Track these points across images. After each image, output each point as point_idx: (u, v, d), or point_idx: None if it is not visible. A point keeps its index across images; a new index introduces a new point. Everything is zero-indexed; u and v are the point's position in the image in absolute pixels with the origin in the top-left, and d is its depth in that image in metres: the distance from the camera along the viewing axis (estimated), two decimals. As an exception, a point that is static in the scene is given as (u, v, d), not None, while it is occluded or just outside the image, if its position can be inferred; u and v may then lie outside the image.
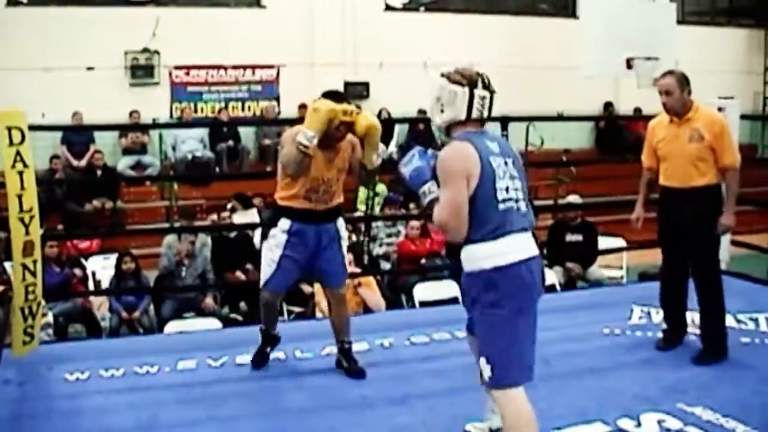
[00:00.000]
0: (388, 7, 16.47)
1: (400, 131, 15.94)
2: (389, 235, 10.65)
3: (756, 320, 6.71)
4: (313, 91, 15.14)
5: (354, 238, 9.94)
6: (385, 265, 10.36)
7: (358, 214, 12.29)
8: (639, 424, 4.68)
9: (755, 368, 5.62)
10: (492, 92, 4.01)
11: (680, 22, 16.09)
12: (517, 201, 3.92)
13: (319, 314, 7.64)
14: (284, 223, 5.42)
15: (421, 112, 15.20)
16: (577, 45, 12.75)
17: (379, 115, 14.49)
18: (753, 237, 9.51)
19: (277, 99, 15.82)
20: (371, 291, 7.79)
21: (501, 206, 3.86)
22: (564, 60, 14.92)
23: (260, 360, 5.80)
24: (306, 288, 8.85)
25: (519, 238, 3.90)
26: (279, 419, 4.88)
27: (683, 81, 5.82)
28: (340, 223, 5.56)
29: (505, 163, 3.93)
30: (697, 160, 5.79)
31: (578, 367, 5.60)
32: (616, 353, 5.97)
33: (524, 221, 3.95)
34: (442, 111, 4.01)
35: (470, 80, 3.99)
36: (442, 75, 4.08)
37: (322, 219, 5.42)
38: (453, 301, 8.09)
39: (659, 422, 4.70)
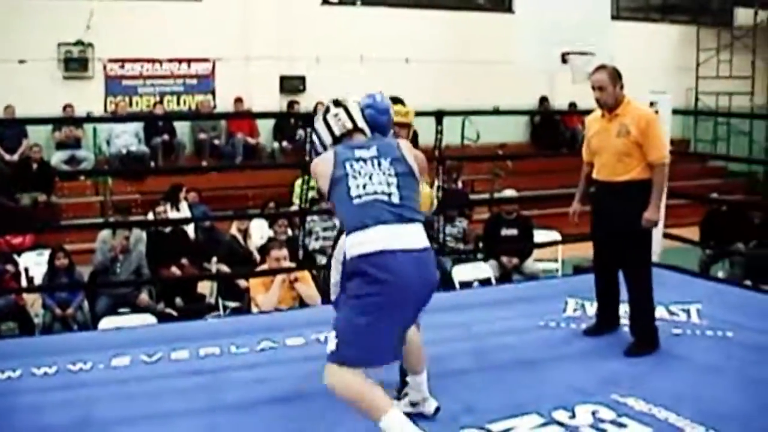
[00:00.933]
0: (325, 1, 16.42)
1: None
2: (325, 229, 10.62)
3: (687, 311, 6.81)
4: (249, 85, 15.26)
5: (290, 232, 9.90)
6: (321, 260, 10.33)
7: (294, 208, 12.25)
8: (573, 416, 4.72)
9: (687, 359, 5.71)
10: (345, 106, 4.50)
11: (615, 17, 16.31)
12: (383, 194, 4.17)
13: (254, 309, 7.61)
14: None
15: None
16: (513, 40, 12.82)
17: (314, 110, 14.48)
18: (684, 230, 9.66)
19: (213, 93, 15.68)
20: (306, 285, 7.78)
21: (356, 201, 4.15)
22: (500, 55, 14.95)
23: None
24: (242, 283, 8.82)
25: (390, 229, 4.09)
26: (215, 415, 4.85)
27: (615, 76, 5.85)
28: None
29: (375, 164, 4.25)
30: (622, 155, 5.83)
31: (513, 360, 5.64)
32: (551, 345, 6.02)
33: (398, 211, 4.15)
34: (321, 144, 4.53)
35: (324, 111, 4.52)
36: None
37: None
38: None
39: (593, 413, 4.75)
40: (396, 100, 5.34)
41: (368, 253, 4.05)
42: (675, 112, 8.67)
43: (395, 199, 4.16)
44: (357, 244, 4.10)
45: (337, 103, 4.50)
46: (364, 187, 4.16)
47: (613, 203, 5.91)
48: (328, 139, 4.45)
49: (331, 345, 4.09)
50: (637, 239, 5.92)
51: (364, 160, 4.24)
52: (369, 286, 4.03)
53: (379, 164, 4.23)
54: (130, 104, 15.05)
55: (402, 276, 4.02)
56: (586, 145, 6.23)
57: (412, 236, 4.13)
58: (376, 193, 4.15)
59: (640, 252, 5.98)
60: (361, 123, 4.47)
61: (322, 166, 4.30)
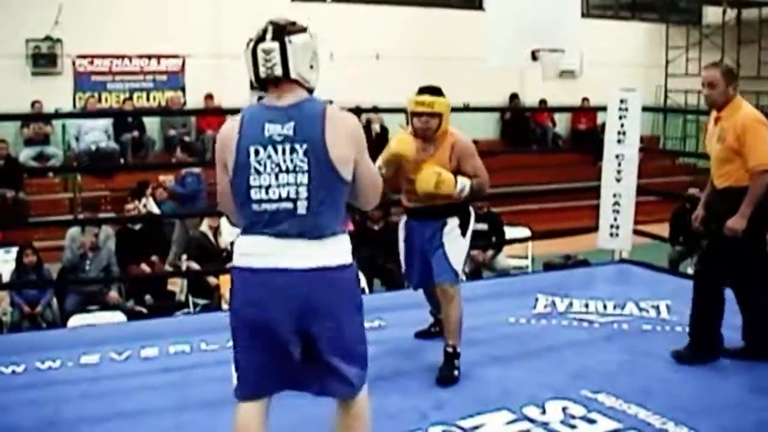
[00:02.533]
0: (295, -3, 16.40)
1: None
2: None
3: (657, 308, 6.86)
4: (220, 82, 15.21)
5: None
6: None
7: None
8: (544, 412, 4.74)
9: (656, 355, 5.74)
10: (283, 43, 3.36)
11: (585, 15, 16.36)
12: (287, 201, 3.28)
13: (224, 306, 7.58)
14: (402, 222, 5.61)
15: (329, 103, 15.17)
16: (483, 36, 12.84)
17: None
18: (654, 226, 9.70)
19: (183, 89, 15.63)
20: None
21: (255, 207, 3.31)
22: (470, 51, 14.98)
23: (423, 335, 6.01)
24: (211, 280, 8.79)
25: (274, 244, 3.30)
26: (186, 413, 4.84)
27: (729, 74, 5.45)
28: (451, 221, 5.38)
29: (287, 151, 3.28)
30: (722, 161, 5.45)
31: (483, 356, 5.64)
32: (522, 342, 6.04)
33: (300, 225, 3.30)
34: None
35: (257, 35, 3.41)
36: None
37: (424, 216, 5.41)
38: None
39: (563, 409, 4.77)
40: (427, 90, 5.35)
41: (241, 268, 3.36)
42: (644, 109, 8.71)
43: (301, 209, 3.27)
44: (239, 253, 3.39)
45: (277, 34, 3.38)
46: (267, 190, 3.27)
47: (712, 210, 5.64)
48: (251, 77, 3.42)
49: (233, 377, 3.51)
50: (741, 251, 5.48)
51: (275, 145, 3.26)
52: (239, 306, 3.39)
53: (292, 152, 3.26)
54: (100, 100, 14.95)
55: (266, 300, 3.30)
56: None
57: (303, 255, 3.29)
58: (280, 199, 3.27)
59: (748, 264, 5.55)
60: (295, 73, 3.36)
61: (228, 138, 3.36)
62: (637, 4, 20.76)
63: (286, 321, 3.30)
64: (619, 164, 8.07)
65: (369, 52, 16.32)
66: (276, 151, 3.27)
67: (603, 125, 8.95)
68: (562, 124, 18.71)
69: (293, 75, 3.36)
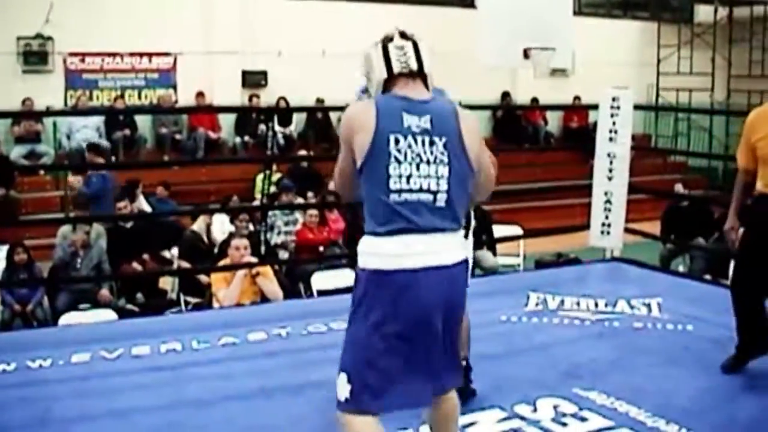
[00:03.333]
0: (287, -5, 16.41)
1: (298, 120, 15.91)
2: (287, 223, 10.61)
3: (648, 305, 6.87)
4: (211, 80, 15.19)
5: (252, 227, 9.87)
6: (283, 255, 10.32)
7: (256, 203, 12.24)
8: (535, 409, 4.74)
9: (648, 352, 5.76)
10: (414, 41, 3.43)
11: (577, 13, 16.35)
12: (428, 192, 3.24)
13: (216, 304, 7.57)
14: None
15: (319, 101, 15.19)
16: (475, 34, 12.83)
17: (277, 104, 14.44)
18: (646, 224, 9.70)
19: (174, 87, 15.61)
20: (268, 280, 7.75)
21: (393, 197, 3.21)
22: (462, 49, 14.94)
23: None
24: (203, 278, 8.78)
25: (424, 241, 3.23)
26: (177, 411, 4.83)
27: None
28: None
29: (426, 143, 3.27)
30: None
31: (475, 354, 5.59)
32: (513, 340, 6.04)
33: (439, 219, 3.26)
34: (369, 81, 3.51)
35: (384, 38, 3.47)
36: None
37: None
38: (350, 289, 8.10)
39: (555, 407, 4.77)
40: None
41: (387, 271, 3.22)
42: (636, 107, 8.73)
43: (441, 202, 3.26)
44: (374, 254, 3.25)
45: (405, 35, 3.45)
46: (408, 179, 3.22)
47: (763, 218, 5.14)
48: (380, 74, 3.39)
49: (342, 387, 3.29)
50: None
51: (414, 136, 3.25)
52: (383, 311, 3.23)
53: (431, 144, 3.27)
54: (91, 98, 14.91)
55: (424, 300, 3.22)
56: (747, 148, 5.24)
57: (445, 249, 3.27)
58: (421, 190, 3.23)
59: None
60: (427, 68, 3.43)
61: (362, 121, 3.28)
62: (629, 2, 20.79)
63: (440, 318, 3.29)
64: (611, 162, 8.08)
65: (361, 51, 16.26)
66: (416, 141, 3.26)
67: (595, 123, 8.95)
68: (553, 122, 18.72)
69: (426, 69, 3.43)
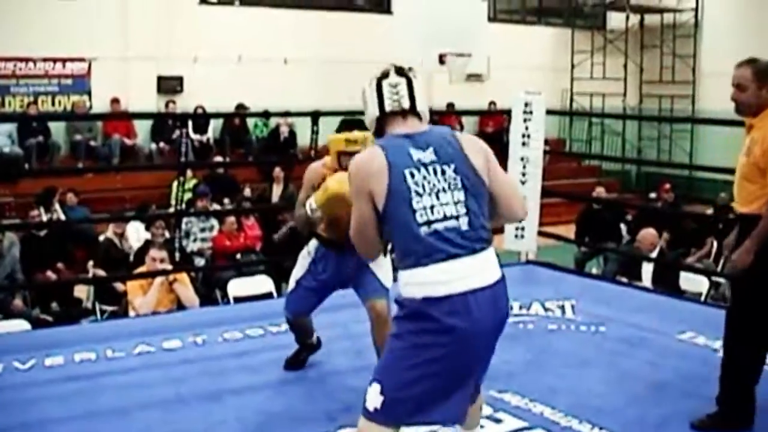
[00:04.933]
0: (203, 1, 16.31)
1: (215, 126, 15.82)
2: (203, 230, 10.57)
3: (562, 307, 6.96)
4: (126, 86, 15.03)
5: (168, 234, 9.80)
6: (200, 261, 10.28)
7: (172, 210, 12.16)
8: (451, 413, 4.77)
9: (561, 353, 5.86)
10: (409, 78, 3.50)
11: (491, 19, 16.59)
12: (452, 218, 3.29)
13: (131, 312, 7.52)
14: (312, 245, 5.23)
15: (240, 106, 15.12)
16: (392, 40, 12.92)
17: (194, 111, 14.37)
18: (561, 228, 9.85)
19: (89, 93, 15.39)
20: (185, 287, 7.72)
21: (423, 230, 3.27)
22: (379, 55, 14.97)
23: (293, 363, 5.58)
24: (119, 286, 8.71)
25: (466, 263, 3.27)
26: (92, 421, 4.77)
27: (764, 76, 4.45)
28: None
29: (438, 172, 3.33)
30: (742, 179, 4.55)
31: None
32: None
33: (469, 242, 3.30)
34: (365, 116, 3.58)
35: (381, 74, 3.53)
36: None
37: (346, 248, 4.80)
38: (267, 296, 8.11)
39: (470, 410, 4.81)
40: (354, 127, 5.08)
41: (438, 297, 3.24)
42: (549, 112, 8.82)
43: (464, 225, 3.29)
44: (420, 283, 3.26)
45: (401, 71, 3.51)
46: (432, 210, 3.27)
47: (734, 242, 4.66)
48: (373, 111, 3.48)
49: (375, 400, 3.32)
50: (742, 290, 4.61)
51: (426, 167, 3.32)
52: (433, 335, 3.25)
53: (443, 173, 3.33)
54: (3, 104, 14.68)
55: (476, 322, 3.25)
56: None
57: (485, 269, 3.32)
58: (445, 218, 3.28)
59: (743, 307, 4.58)
60: (421, 105, 3.51)
61: (373, 166, 3.32)
62: (543, 9, 21.10)
63: (493, 336, 3.38)
64: (524, 166, 8.16)
65: (277, 56, 16.30)
66: (429, 173, 3.31)
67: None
68: (469, 127, 18.82)
69: (419, 107, 3.50)
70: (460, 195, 3.32)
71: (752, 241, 4.36)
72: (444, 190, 3.30)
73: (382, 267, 5.11)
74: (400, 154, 3.33)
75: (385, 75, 3.49)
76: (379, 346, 4.96)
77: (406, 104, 3.46)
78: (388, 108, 3.45)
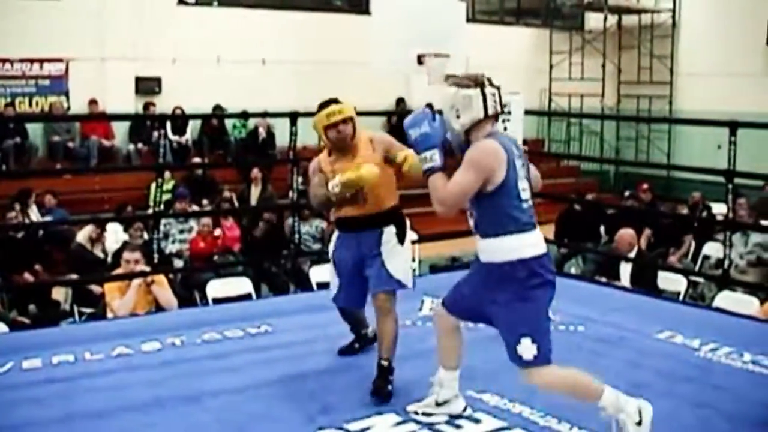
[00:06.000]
0: (181, 2, 16.26)
1: (193, 127, 15.78)
2: (182, 231, 10.54)
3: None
4: (104, 87, 14.97)
5: (146, 236, 9.78)
6: (178, 263, 10.25)
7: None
8: (429, 413, 4.77)
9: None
10: (498, 88, 4.24)
11: (470, 20, 16.54)
12: (530, 199, 4.24)
13: (110, 314, 7.49)
14: (334, 236, 5.51)
15: (218, 108, 15.09)
16: (370, 41, 12.90)
17: (173, 113, 14.31)
18: (541, 228, 9.81)
19: (67, 94, 15.32)
20: (163, 289, 7.70)
21: (524, 205, 4.17)
22: (357, 56, 15.00)
23: (345, 352, 5.89)
24: (96, 288, 8.68)
25: (539, 232, 4.26)
26: (70, 424, 4.76)
27: None
28: (388, 230, 5.34)
29: (520, 165, 4.19)
30: None
31: (370, 359, 5.65)
32: (407, 344, 6.02)
33: (534, 218, 4.27)
34: (458, 117, 4.21)
35: (477, 81, 4.21)
36: (450, 84, 4.27)
37: (364, 225, 5.31)
38: (246, 297, 8.11)
39: (449, 410, 4.81)
40: (330, 102, 5.31)
41: (540, 255, 4.19)
42: (527, 112, 8.86)
43: (531, 205, 4.27)
44: (529, 245, 4.18)
45: (491, 82, 4.27)
46: (525, 191, 4.19)
47: None
48: (477, 114, 4.18)
49: (531, 350, 4.18)
50: None
51: (517, 159, 4.19)
52: (542, 289, 4.19)
53: (522, 165, 4.23)
54: (-21, 106, 14.59)
55: (551, 277, 4.26)
56: None
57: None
58: (528, 198, 4.23)
59: None
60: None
61: (500, 157, 4.11)
62: (522, 9, 21.12)
63: None
64: (503, 167, 8.16)
65: (255, 57, 16.27)
66: (518, 164, 4.18)
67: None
68: (449, 127, 18.88)
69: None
70: (527, 184, 4.24)
71: None
72: (525, 178, 4.21)
73: (396, 257, 5.33)
74: (509, 149, 4.14)
75: (482, 83, 4.20)
76: (381, 336, 5.27)
77: (499, 109, 4.23)
78: (490, 111, 4.19)
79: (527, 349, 4.17)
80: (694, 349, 5.81)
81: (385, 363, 5.22)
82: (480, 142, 4.17)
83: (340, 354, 5.83)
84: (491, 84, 4.23)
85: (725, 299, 7.64)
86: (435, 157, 4.19)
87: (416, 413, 4.77)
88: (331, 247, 5.50)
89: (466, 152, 4.16)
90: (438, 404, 4.75)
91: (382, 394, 5.08)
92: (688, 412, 4.82)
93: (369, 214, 5.28)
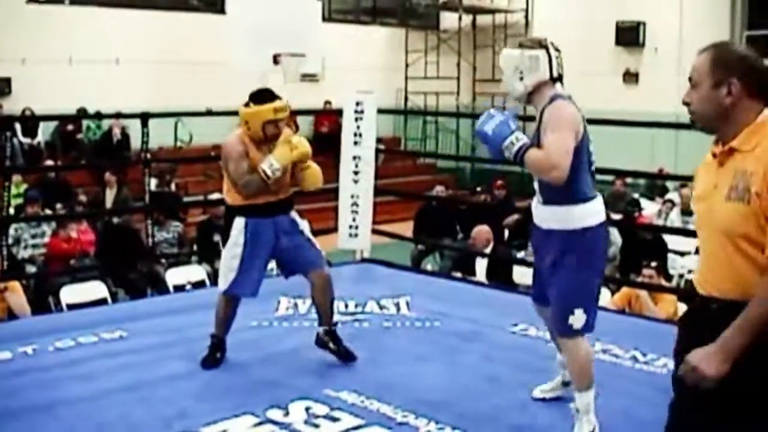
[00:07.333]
0: (30, 0, 15.87)
1: (44, 128, 15.42)
2: (34, 236, 10.28)
3: (397, 304, 7.03)
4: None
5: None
6: (31, 269, 10.00)
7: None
8: (287, 413, 4.77)
9: (397, 350, 5.94)
10: (560, 51, 4.28)
11: (326, 19, 16.60)
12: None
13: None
14: (239, 223, 5.37)
15: (81, 111, 14.72)
16: (226, 41, 12.84)
17: (22, 114, 13.96)
18: (399, 225, 9.97)
19: None
20: (17, 295, 7.52)
21: (592, 168, 4.24)
22: (213, 55, 14.95)
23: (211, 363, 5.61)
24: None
25: (601, 201, 4.31)
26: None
27: (726, 65, 2.68)
28: (294, 214, 5.56)
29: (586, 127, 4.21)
30: (740, 239, 2.63)
31: (225, 361, 5.64)
32: (264, 345, 6.05)
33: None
34: (521, 79, 4.23)
35: (542, 44, 4.26)
36: (516, 47, 4.28)
37: (278, 210, 5.41)
38: (101, 302, 7.98)
39: (307, 409, 4.82)
40: (266, 94, 5.51)
41: (603, 223, 4.27)
42: (381, 111, 8.92)
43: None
44: (595, 212, 4.23)
45: (554, 45, 4.31)
46: (593, 154, 4.24)
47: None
48: (544, 75, 4.22)
49: (581, 320, 4.23)
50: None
51: (583, 120, 4.20)
52: (601, 258, 4.33)
53: (586, 129, 4.22)
54: None
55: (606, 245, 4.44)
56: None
57: None
58: (593, 163, 4.27)
59: None
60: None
61: (579, 116, 4.16)
62: (377, 9, 21.28)
63: None
64: (356, 165, 8.22)
65: (109, 57, 15.99)
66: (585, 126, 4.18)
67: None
68: (304, 127, 18.82)
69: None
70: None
71: (737, 334, 2.56)
72: (592, 142, 4.21)
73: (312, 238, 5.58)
74: (579, 110, 4.17)
75: (545, 45, 4.24)
76: (325, 307, 5.56)
77: (563, 71, 4.26)
78: (555, 73, 4.23)
79: (578, 319, 4.23)
80: (547, 341, 5.95)
81: (335, 328, 5.59)
82: (557, 102, 4.18)
83: (204, 366, 5.60)
84: (555, 48, 4.27)
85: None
86: (520, 136, 4.13)
87: (544, 399, 4.90)
88: (238, 238, 5.41)
89: (545, 116, 4.16)
90: (564, 384, 4.81)
91: (353, 356, 5.56)
92: (541, 404, 4.92)
93: (282, 198, 5.45)
